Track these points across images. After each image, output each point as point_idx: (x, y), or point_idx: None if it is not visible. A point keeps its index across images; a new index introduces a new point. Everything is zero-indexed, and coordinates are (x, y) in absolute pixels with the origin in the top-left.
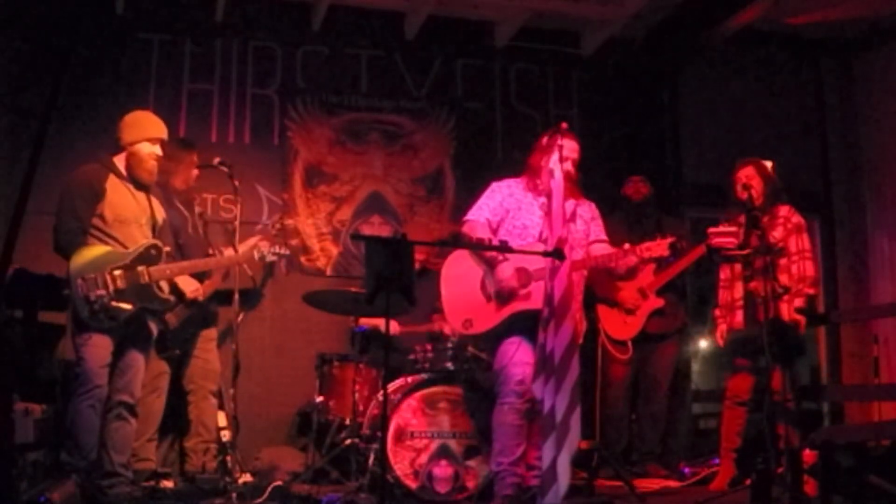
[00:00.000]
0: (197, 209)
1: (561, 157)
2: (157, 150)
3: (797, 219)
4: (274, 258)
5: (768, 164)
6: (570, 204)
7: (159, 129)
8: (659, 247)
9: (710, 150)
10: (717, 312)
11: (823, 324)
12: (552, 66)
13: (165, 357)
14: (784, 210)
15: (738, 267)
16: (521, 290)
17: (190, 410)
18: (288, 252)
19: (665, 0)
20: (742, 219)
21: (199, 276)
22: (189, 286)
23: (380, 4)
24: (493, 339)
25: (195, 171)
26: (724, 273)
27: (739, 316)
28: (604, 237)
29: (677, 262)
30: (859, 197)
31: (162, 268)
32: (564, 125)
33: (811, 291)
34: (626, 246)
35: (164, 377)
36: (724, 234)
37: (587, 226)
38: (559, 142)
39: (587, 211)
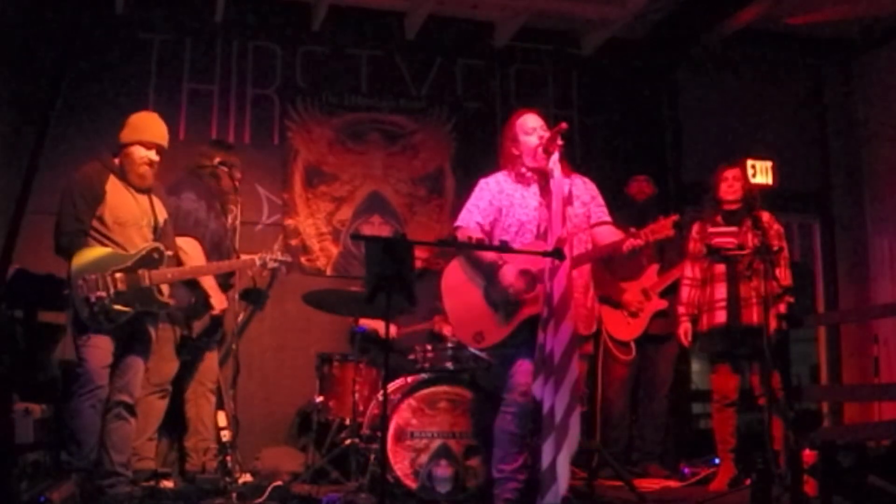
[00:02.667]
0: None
1: (561, 155)
2: (152, 154)
3: (778, 226)
4: (275, 265)
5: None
6: (566, 183)
7: (156, 133)
8: (663, 227)
9: (710, 150)
10: (682, 310)
11: (799, 327)
12: (552, 66)
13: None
14: (766, 216)
15: (719, 267)
16: (529, 295)
17: (188, 409)
18: (290, 259)
19: (665, 0)
20: (718, 218)
21: (225, 288)
22: (219, 301)
23: (380, 4)
24: (502, 348)
25: (238, 176)
26: (690, 272)
27: (721, 316)
28: (607, 218)
29: (681, 263)
30: (859, 197)
31: (163, 272)
32: (564, 125)
33: (791, 300)
34: (633, 230)
35: (169, 380)
36: (724, 235)
37: (586, 207)
38: (558, 141)
39: (584, 190)
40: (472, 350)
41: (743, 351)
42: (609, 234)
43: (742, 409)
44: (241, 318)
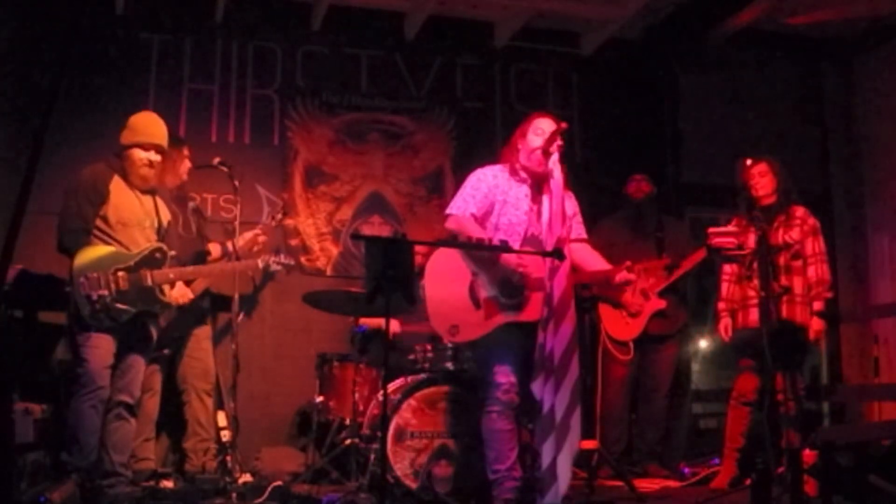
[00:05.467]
0: (191, 205)
1: (562, 155)
2: (151, 155)
3: (813, 221)
4: (278, 268)
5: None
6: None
7: (153, 134)
8: (655, 268)
9: (710, 149)
10: (721, 306)
11: (837, 324)
12: (552, 66)
13: (153, 357)
14: (800, 211)
15: (754, 265)
16: (511, 300)
17: (185, 410)
18: (293, 262)
19: (665, 0)
20: (756, 214)
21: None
22: (177, 289)
23: (380, 4)
24: (477, 347)
25: (187, 164)
26: (729, 267)
27: (754, 314)
28: (584, 235)
29: (681, 264)
30: (859, 197)
31: (165, 271)
32: (564, 125)
33: (829, 295)
34: (628, 264)
35: (155, 376)
36: (724, 234)
37: (570, 222)
38: (559, 141)
39: (570, 206)
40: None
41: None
42: (582, 250)
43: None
44: (240, 318)
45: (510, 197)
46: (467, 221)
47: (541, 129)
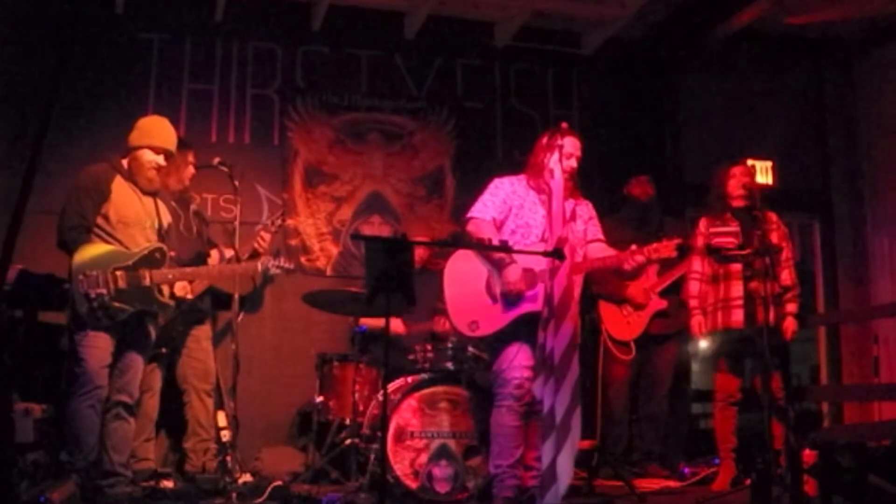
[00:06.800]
0: (193, 207)
1: (561, 156)
2: (160, 159)
3: (784, 227)
4: (277, 272)
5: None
6: (570, 203)
7: (165, 139)
8: (666, 248)
9: (710, 150)
10: (694, 303)
11: (802, 327)
12: (552, 66)
13: (152, 356)
14: (774, 216)
15: (735, 265)
16: (528, 292)
17: (186, 411)
18: (292, 266)
19: (665, 0)
20: (727, 217)
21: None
22: (178, 284)
23: (380, 4)
24: (495, 341)
25: (191, 170)
26: (698, 266)
27: (738, 315)
28: (601, 236)
29: (681, 264)
30: (859, 197)
31: (164, 272)
32: (565, 125)
33: (800, 299)
34: (634, 247)
35: (154, 375)
36: (725, 234)
37: (585, 225)
38: (559, 141)
39: (585, 210)
40: (472, 350)
41: (755, 350)
42: (600, 250)
43: (742, 408)
44: (240, 318)
45: (527, 202)
46: (485, 224)
47: (567, 151)
